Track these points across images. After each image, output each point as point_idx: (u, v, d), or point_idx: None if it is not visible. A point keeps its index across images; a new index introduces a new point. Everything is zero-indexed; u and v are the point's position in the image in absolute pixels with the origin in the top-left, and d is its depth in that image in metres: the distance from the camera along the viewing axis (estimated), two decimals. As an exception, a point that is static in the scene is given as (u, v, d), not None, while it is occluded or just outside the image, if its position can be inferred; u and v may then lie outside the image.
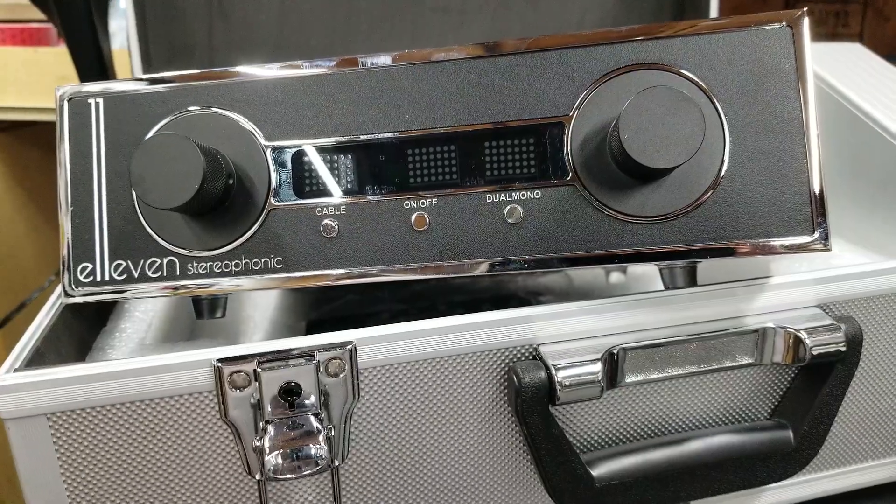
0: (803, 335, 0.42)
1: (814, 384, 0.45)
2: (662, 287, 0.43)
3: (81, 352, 0.47)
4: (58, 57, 1.24)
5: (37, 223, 1.42)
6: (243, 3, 0.80)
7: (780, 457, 0.45)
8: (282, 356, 0.37)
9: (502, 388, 0.42)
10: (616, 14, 0.86)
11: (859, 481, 0.51)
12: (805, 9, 0.39)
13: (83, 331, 0.47)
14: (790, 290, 0.44)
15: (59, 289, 0.44)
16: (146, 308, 0.53)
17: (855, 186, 0.62)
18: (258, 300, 0.66)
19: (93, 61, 0.82)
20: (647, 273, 0.68)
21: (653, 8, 0.87)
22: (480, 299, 0.70)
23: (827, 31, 1.86)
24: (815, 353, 0.43)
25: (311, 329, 0.66)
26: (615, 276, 0.69)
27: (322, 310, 0.69)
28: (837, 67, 0.68)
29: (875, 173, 0.60)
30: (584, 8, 0.85)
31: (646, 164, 0.35)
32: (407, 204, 0.40)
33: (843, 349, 0.43)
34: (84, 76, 0.82)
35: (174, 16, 0.79)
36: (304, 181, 0.41)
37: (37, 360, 0.39)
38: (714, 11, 0.82)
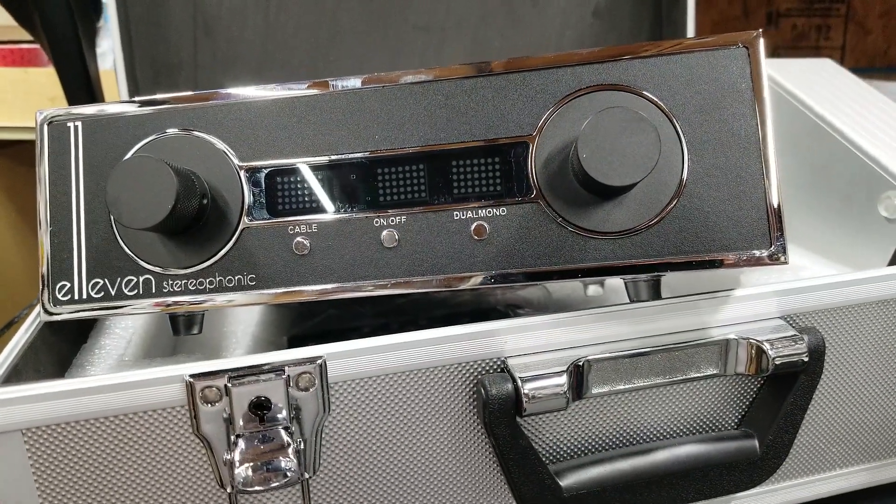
0: (766, 346, 0.44)
1: (778, 394, 0.46)
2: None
3: (61, 368, 0.47)
4: (49, 78, 1.25)
5: (28, 241, 1.42)
6: (228, 21, 0.81)
7: (746, 466, 0.46)
8: (252, 371, 0.38)
9: (471, 400, 0.43)
10: (595, 32, 0.87)
11: (827, 489, 0.52)
12: (760, 30, 0.41)
13: (63, 347, 0.48)
14: (753, 302, 0.45)
15: (38, 307, 0.45)
16: (126, 325, 0.54)
17: (821, 199, 0.63)
18: (240, 316, 0.67)
19: (80, 82, 0.83)
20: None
21: (631, 25, 0.88)
22: (461, 313, 0.71)
23: (809, 45, 1.88)
24: (777, 363, 0.44)
25: (293, 344, 0.66)
26: (592, 289, 0.70)
27: (303, 325, 0.70)
28: (807, 83, 0.70)
29: (839, 184, 0.61)
30: (563, 26, 0.87)
31: (603, 182, 0.36)
32: (377, 222, 0.41)
33: (806, 360, 0.44)
34: (72, 97, 0.83)
35: (159, 34, 0.80)
36: (276, 200, 0.42)
37: (14, 376, 0.40)
38: (692, 29, 0.84)
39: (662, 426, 0.47)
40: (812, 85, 0.69)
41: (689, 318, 0.44)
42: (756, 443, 0.46)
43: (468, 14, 0.85)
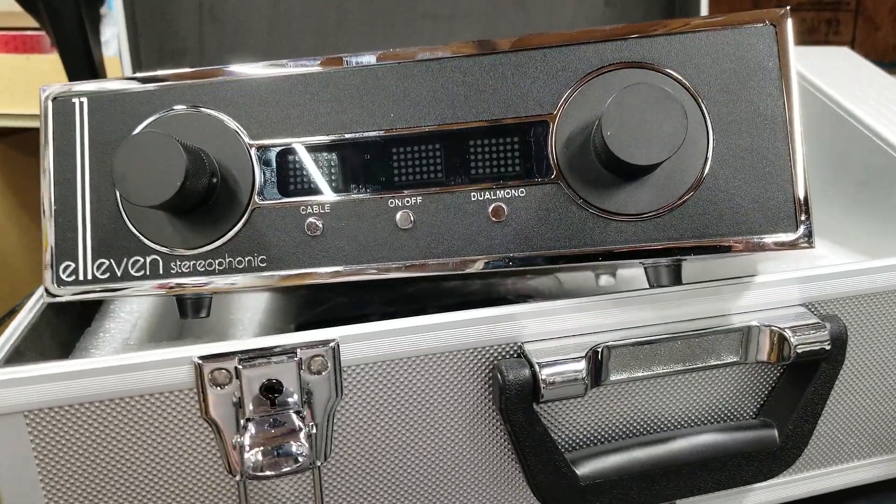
0: (788, 333, 0.42)
1: (798, 383, 0.45)
2: (645, 283, 0.43)
3: (64, 352, 0.46)
4: (51, 64, 1.24)
5: (29, 230, 1.41)
6: (234, 7, 0.80)
7: (765, 456, 0.45)
8: (263, 353, 0.37)
9: (487, 386, 0.41)
10: (606, 21, 0.86)
11: (845, 481, 0.51)
12: (788, 7, 0.40)
13: (66, 331, 0.47)
14: (775, 289, 0.44)
15: (41, 288, 0.44)
16: (131, 308, 0.53)
17: (838, 187, 0.62)
18: (247, 303, 0.66)
19: (84, 67, 0.82)
20: (637, 276, 0.68)
21: (643, 14, 0.87)
22: (470, 302, 0.70)
23: (819, 39, 1.87)
24: (799, 351, 0.42)
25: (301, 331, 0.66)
26: (604, 280, 0.69)
27: (311, 312, 0.69)
28: (826, 71, 0.69)
29: (858, 173, 0.60)
30: (574, 13, 0.86)
31: (628, 161, 0.35)
32: (392, 202, 0.40)
33: (828, 348, 0.43)
34: (72, 72, 0.81)
35: (165, 20, 0.79)
36: (288, 180, 0.41)
37: (16, 358, 0.39)
38: (704, 13, 0.83)
39: (680, 414, 0.46)
40: (830, 73, 0.68)
41: (710, 304, 0.43)
42: (775, 432, 0.45)
43: (477, 2, 0.84)
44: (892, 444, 0.51)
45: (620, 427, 0.45)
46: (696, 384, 0.45)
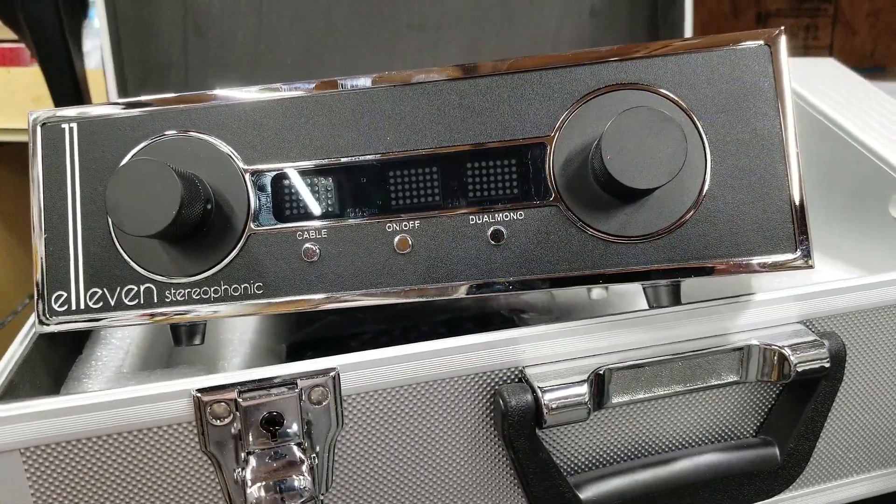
0: (787, 352, 0.42)
1: (799, 401, 0.45)
2: (645, 303, 0.43)
3: (56, 381, 0.45)
4: (32, 77, 1.22)
5: (10, 245, 1.39)
6: (219, 20, 0.79)
7: (767, 474, 0.45)
8: (263, 385, 0.36)
9: (488, 411, 0.41)
10: (592, 31, 0.86)
11: (845, 496, 0.51)
12: (782, 27, 0.40)
13: (58, 359, 0.46)
14: (773, 307, 0.44)
15: (32, 317, 0.43)
16: (123, 335, 0.52)
17: (829, 200, 0.63)
18: (236, 323, 0.65)
19: (67, 81, 0.81)
20: (629, 289, 0.68)
21: (628, 24, 0.87)
22: (463, 318, 0.70)
23: (797, 45, 1.89)
24: (799, 370, 0.42)
25: (292, 351, 0.65)
26: (597, 293, 0.69)
27: (302, 332, 0.68)
28: (811, 81, 0.69)
29: (849, 186, 0.61)
30: (559, 24, 0.86)
31: (628, 185, 0.35)
32: (389, 227, 0.40)
33: (827, 365, 0.43)
34: (58, 96, 0.80)
35: (149, 34, 0.78)
36: (284, 205, 0.40)
37: (10, 392, 0.38)
38: (689, 28, 0.83)
39: (680, 434, 0.46)
40: (817, 84, 0.68)
41: (708, 324, 0.43)
42: (776, 450, 0.45)
43: (463, 12, 0.83)
44: (892, 457, 0.51)
45: (622, 449, 0.45)
46: (695, 404, 0.45)
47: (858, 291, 0.46)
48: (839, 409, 0.48)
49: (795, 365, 0.42)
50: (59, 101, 0.81)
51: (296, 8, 0.80)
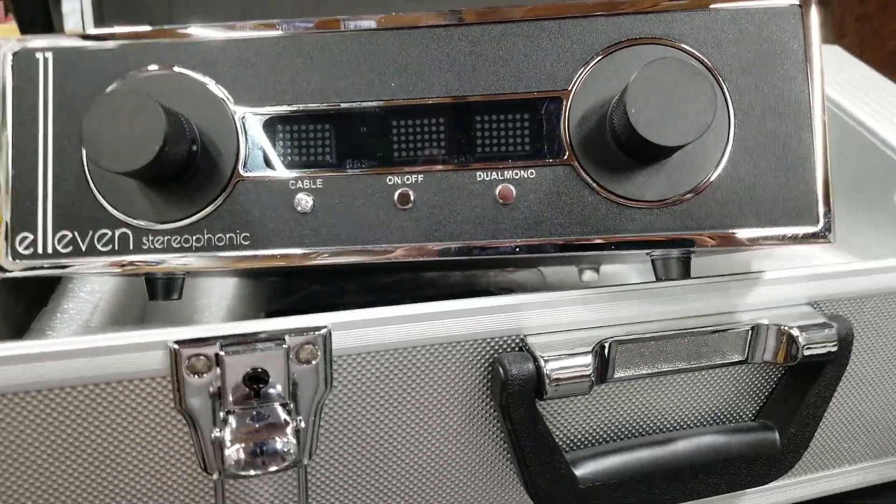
0: (796, 333, 0.41)
1: (800, 385, 0.44)
2: (632, 278, 0.41)
3: (17, 333, 0.42)
4: (8, 34, 1.17)
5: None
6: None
7: (766, 459, 0.43)
8: (248, 339, 0.34)
9: (484, 380, 0.39)
10: None
11: (841, 485, 0.49)
12: (813, -11, 0.38)
13: (20, 309, 0.43)
14: (782, 286, 0.42)
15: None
16: (92, 288, 0.48)
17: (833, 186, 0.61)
18: (214, 289, 0.62)
19: (37, 10, 0.75)
20: (621, 272, 0.66)
21: None
22: (451, 294, 0.67)
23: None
24: (806, 353, 0.41)
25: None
26: (588, 275, 0.67)
27: (284, 300, 0.65)
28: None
29: (853, 172, 0.59)
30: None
31: (653, 141, 0.33)
32: (390, 180, 0.37)
33: (835, 349, 0.42)
34: (26, 27, 0.75)
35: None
36: (276, 151, 0.37)
37: (-35, 338, 0.34)
38: None
39: (678, 415, 0.44)
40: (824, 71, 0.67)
41: (717, 300, 0.41)
42: (776, 435, 0.44)
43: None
44: (887, 448, 0.50)
45: (619, 426, 0.43)
46: (695, 384, 0.43)
47: (869, 275, 0.44)
48: (841, 395, 0.47)
49: (804, 347, 0.41)
50: (27, 28, 0.75)
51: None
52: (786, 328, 0.41)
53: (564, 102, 0.37)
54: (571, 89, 0.37)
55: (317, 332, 0.34)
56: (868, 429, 0.49)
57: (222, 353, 0.33)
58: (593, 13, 0.37)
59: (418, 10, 0.80)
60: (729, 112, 0.37)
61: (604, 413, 0.42)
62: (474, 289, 0.68)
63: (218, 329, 0.33)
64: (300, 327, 0.34)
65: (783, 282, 0.42)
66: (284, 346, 0.33)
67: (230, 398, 0.33)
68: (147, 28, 0.38)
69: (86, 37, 0.38)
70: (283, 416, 0.33)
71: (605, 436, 0.43)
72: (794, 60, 0.37)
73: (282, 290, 0.65)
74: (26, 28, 0.70)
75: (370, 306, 0.66)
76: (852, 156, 0.60)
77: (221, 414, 0.33)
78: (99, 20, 0.64)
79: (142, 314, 0.55)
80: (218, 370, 0.33)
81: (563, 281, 0.68)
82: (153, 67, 0.38)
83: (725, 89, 0.37)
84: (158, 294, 0.40)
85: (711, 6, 0.37)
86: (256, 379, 0.33)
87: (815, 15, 0.37)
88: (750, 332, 0.41)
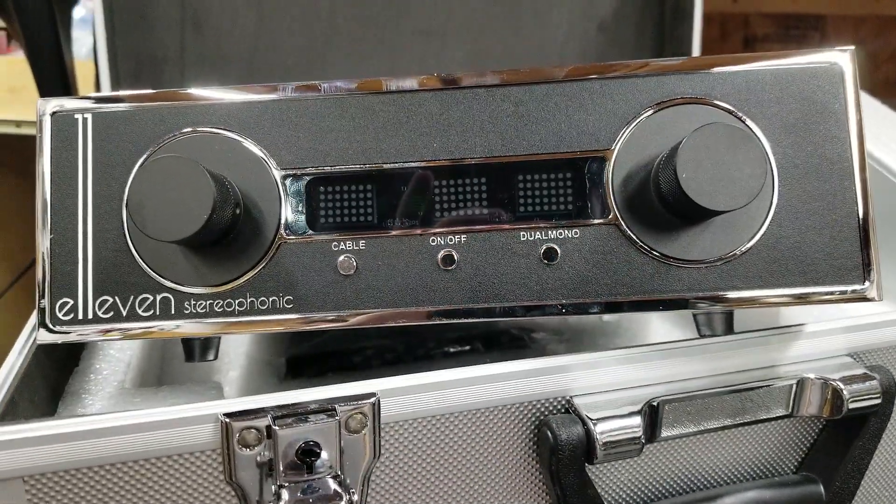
0: (840, 385, 0.40)
1: (844, 437, 0.43)
2: (657, 326, 0.41)
3: (54, 396, 0.41)
4: (9, 66, 1.17)
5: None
6: (218, 15, 0.75)
7: (811, 513, 0.43)
8: (298, 410, 0.33)
9: (531, 443, 0.38)
10: (599, 45, 0.85)
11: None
12: (853, 47, 0.38)
13: (55, 372, 0.42)
14: (823, 339, 0.42)
15: (30, 325, 0.39)
16: (122, 345, 0.48)
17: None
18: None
19: (55, 71, 0.77)
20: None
21: (635, 40, 0.86)
22: (471, 335, 0.67)
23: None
24: (851, 405, 0.40)
25: (292, 365, 0.62)
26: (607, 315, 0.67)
27: (303, 345, 0.64)
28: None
29: (882, 217, 0.59)
30: (566, 37, 0.84)
31: (705, 206, 0.32)
32: (433, 240, 0.37)
33: (879, 401, 0.41)
34: (45, 86, 0.76)
35: (145, 26, 0.74)
36: (319, 213, 0.37)
37: (10, 411, 0.34)
38: (696, 47, 0.82)
39: (720, 469, 0.44)
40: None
41: (758, 354, 0.41)
42: (821, 488, 0.43)
43: (470, 20, 0.81)
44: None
45: (662, 483, 0.42)
46: (738, 438, 0.43)
47: (909, 324, 0.44)
48: (881, 447, 0.46)
49: (849, 400, 0.40)
50: (46, 91, 0.76)
51: (297, 7, 0.77)
52: (830, 382, 0.41)
53: (608, 162, 0.37)
54: (615, 148, 0.37)
55: (367, 400, 0.34)
56: (907, 477, 0.48)
57: (275, 427, 0.32)
58: (636, 73, 0.37)
59: (429, 48, 0.80)
60: (773, 172, 0.37)
61: (648, 470, 0.42)
62: (495, 329, 0.68)
63: (267, 399, 0.33)
64: (350, 395, 0.34)
65: (823, 334, 0.42)
66: (336, 417, 0.33)
67: (282, 471, 0.33)
68: (187, 90, 0.38)
69: (123, 98, 0.38)
70: (334, 487, 0.33)
71: (650, 493, 0.42)
72: (837, 120, 0.37)
73: (301, 335, 0.64)
74: (46, 91, 0.70)
75: (389, 349, 0.65)
76: (880, 198, 0.60)
77: (273, 487, 0.33)
78: (115, 78, 0.64)
79: (161, 364, 0.55)
80: (268, 441, 0.32)
81: (584, 320, 0.67)
82: (196, 129, 0.37)
83: (768, 149, 0.37)
84: (196, 356, 0.40)
85: (752, 65, 0.37)
86: (309, 452, 0.32)
87: (854, 74, 0.37)
88: (794, 386, 0.41)
